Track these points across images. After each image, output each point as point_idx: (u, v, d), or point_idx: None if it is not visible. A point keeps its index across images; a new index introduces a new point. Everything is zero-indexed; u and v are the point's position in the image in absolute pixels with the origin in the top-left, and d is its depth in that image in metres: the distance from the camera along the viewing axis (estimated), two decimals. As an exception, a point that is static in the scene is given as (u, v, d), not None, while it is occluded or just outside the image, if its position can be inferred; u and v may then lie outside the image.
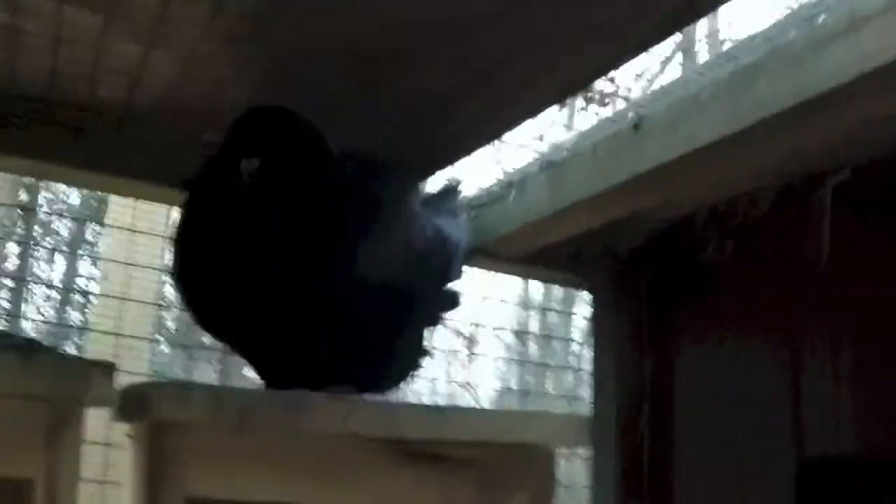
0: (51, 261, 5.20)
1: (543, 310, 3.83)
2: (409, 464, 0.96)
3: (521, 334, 3.63)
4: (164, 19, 0.90)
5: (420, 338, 1.04)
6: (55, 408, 0.84)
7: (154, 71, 1.00)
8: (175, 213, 1.69)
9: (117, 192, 1.36)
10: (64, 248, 5.08)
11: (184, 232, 1.00)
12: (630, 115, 1.05)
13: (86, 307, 4.28)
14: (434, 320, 1.09)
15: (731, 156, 0.92)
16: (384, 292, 0.97)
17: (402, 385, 1.07)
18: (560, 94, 1.06)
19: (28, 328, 4.49)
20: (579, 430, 1.02)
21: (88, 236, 5.02)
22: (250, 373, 1.07)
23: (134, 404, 0.91)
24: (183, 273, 0.99)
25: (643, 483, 1.17)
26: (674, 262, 1.18)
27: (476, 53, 0.96)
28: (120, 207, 1.70)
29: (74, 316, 4.86)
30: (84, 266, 4.96)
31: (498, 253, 1.14)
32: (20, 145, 1.07)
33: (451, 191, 1.14)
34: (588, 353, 1.38)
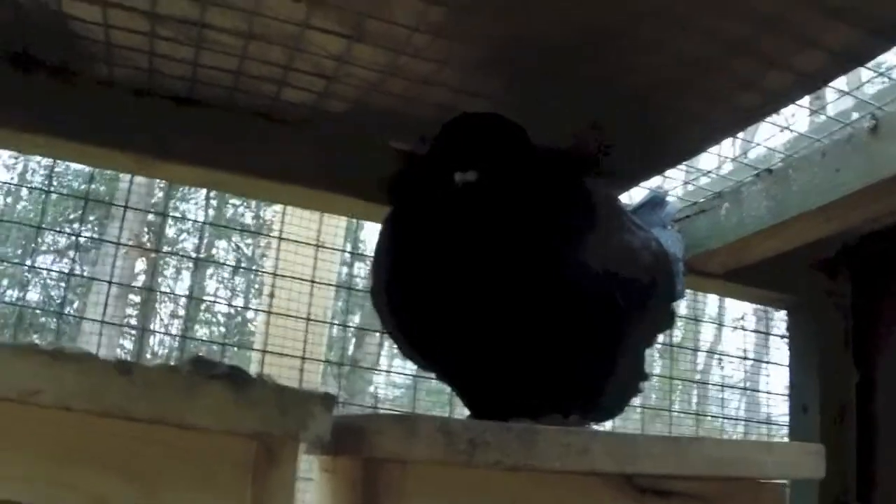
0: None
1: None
2: (639, 500, 0.88)
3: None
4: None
5: (641, 360, 0.96)
6: (267, 445, 0.77)
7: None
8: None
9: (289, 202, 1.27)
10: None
11: (388, 246, 0.92)
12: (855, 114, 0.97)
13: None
14: (652, 341, 1.01)
15: None
16: (608, 309, 0.88)
17: (621, 412, 0.99)
18: (790, 95, 0.96)
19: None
20: (818, 461, 0.93)
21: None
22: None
23: (346, 438, 0.83)
24: (389, 290, 0.91)
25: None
26: (874, 269, 1.10)
27: (697, 43, 0.88)
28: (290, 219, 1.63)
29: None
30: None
31: (702, 269, 1.05)
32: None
33: (658, 201, 1.06)
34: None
